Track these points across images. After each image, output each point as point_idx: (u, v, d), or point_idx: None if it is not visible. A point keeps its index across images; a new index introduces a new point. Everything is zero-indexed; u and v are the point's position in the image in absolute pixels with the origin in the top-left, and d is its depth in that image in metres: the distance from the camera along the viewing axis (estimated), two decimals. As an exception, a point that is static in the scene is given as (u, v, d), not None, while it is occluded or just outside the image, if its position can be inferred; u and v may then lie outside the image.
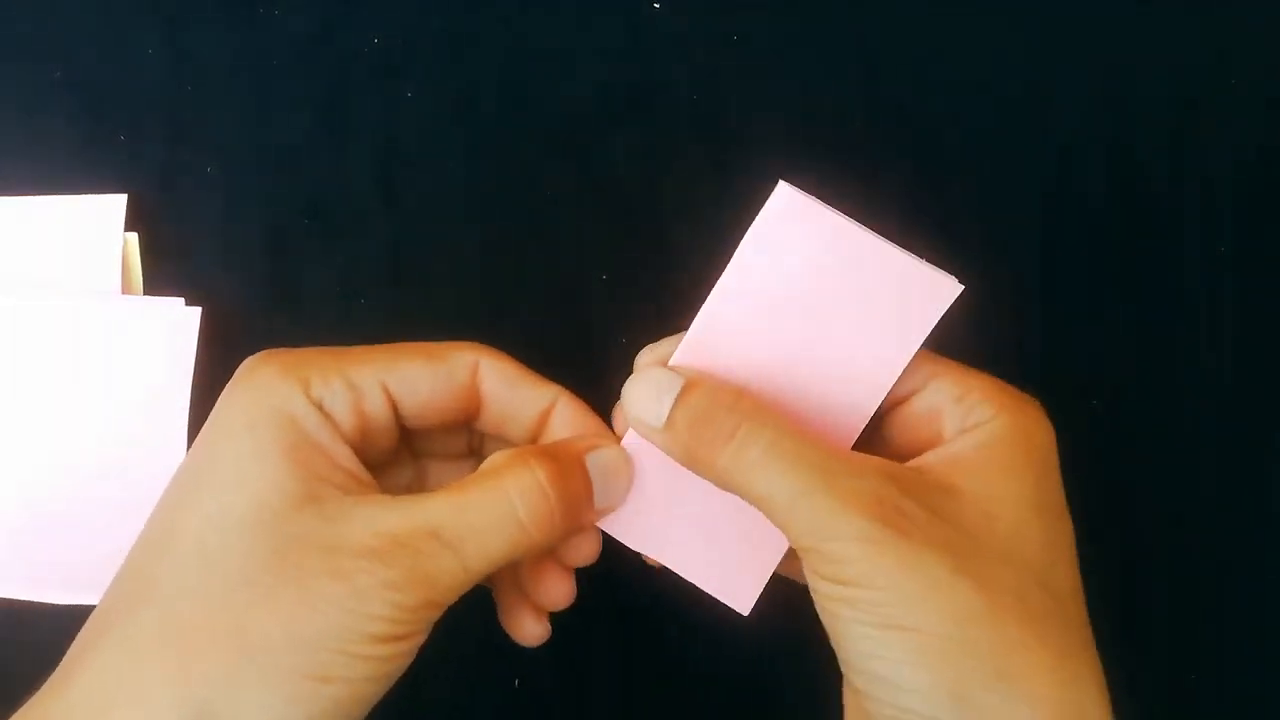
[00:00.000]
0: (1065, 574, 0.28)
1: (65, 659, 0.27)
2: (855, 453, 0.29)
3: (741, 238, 0.30)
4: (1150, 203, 0.39)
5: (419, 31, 0.39)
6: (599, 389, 0.33)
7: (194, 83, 0.39)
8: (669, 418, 0.28)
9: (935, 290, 0.30)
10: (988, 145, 0.39)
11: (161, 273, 0.38)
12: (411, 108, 0.39)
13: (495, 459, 0.29)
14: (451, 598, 0.27)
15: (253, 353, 0.39)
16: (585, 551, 0.31)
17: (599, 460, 0.30)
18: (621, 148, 0.39)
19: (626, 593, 0.37)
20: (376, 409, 0.29)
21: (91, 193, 0.38)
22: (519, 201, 0.38)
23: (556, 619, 0.38)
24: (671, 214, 0.38)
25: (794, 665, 0.38)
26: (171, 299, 0.37)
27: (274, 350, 0.29)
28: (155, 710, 0.25)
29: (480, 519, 0.27)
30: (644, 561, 0.32)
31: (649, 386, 0.29)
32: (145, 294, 0.38)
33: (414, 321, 0.38)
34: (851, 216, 0.33)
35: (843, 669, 0.27)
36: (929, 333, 0.29)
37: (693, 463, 0.28)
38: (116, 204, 0.37)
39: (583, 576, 0.38)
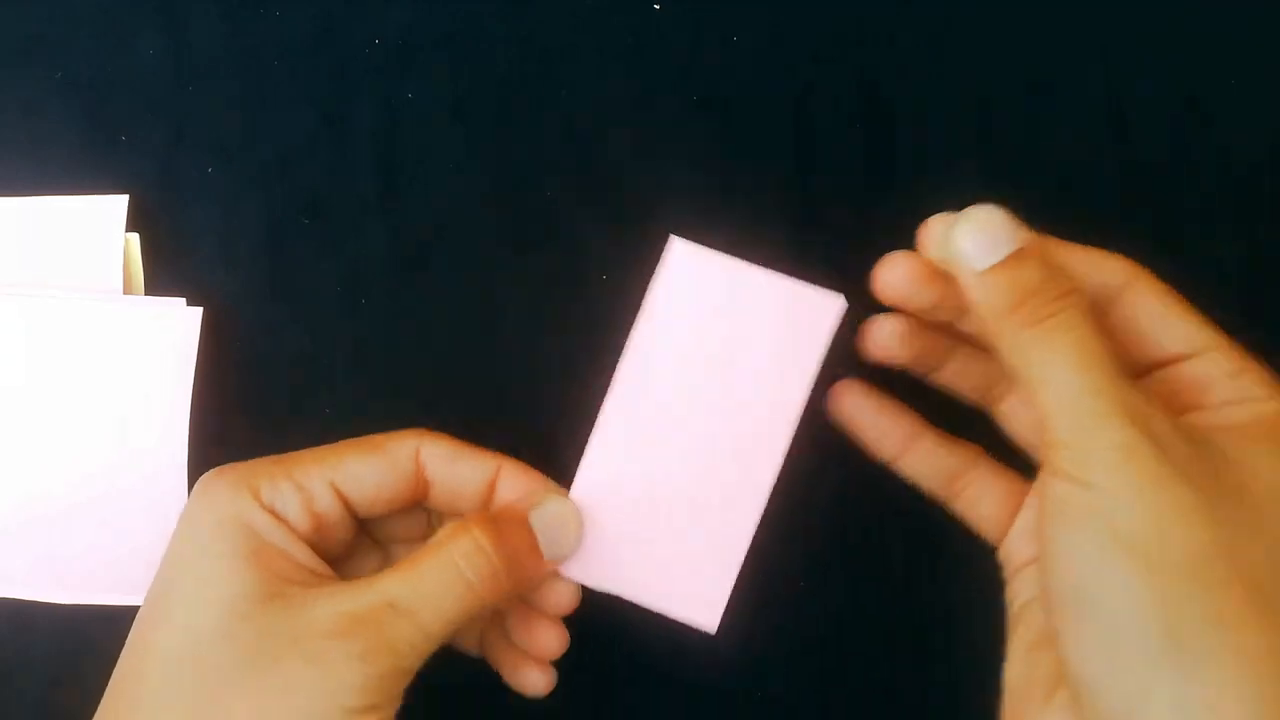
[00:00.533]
0: None
1: None
2: (1141, 384, 0.29)
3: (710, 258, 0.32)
4: (1150, 202, 0.39)
5: (419, 31, 0.39)
6: (599, 388, 0.33)
7: (194, 83, 0.39)
8: (997, 268, 0.28)
9: (822, 309, 0.32)
10: (987, 145, 0.39)
11: (162, 273, 0.38)
12: (411, 108, 0.39)
13: (442, 531, 0.31)
14: (417, 662, 0.29)
15: (253, 350, 0.39)
16: (563, 601, 0.33)
17: (544, 514, 0.32)
18: (622, 148, 0.39)
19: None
20: (327, 506, 0.31)
21: (92, 193, 0.38)
22: (519, 201, 0.39)
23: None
24: (672, 214, 0.38)
25: (795, 666, 0.38)
26: (173, 299, 0.37)
27: (223, 467, 0.31)
28: None
29: (430, 586, 0.29)
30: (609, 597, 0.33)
31: (988, 228, 0.28)
32: (146, 294, 0.38)
33: (414, 321, 0.39)
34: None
35: (1046, 589, 0.27)
36: (823, 351, 0.32)
37: (995, 318, 0.28)
38: (118, 204, 0.37)
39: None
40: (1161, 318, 0.30)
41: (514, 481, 0.33)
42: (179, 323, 0.37)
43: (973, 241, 0.28)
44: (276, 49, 0.39)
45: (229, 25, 0.39)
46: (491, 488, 0.33)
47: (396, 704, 0.29)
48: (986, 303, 0.28)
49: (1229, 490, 0.26)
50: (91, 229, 0.37)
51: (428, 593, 0.29)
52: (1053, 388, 0.27)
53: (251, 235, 0.39)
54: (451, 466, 0.32)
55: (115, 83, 0.39)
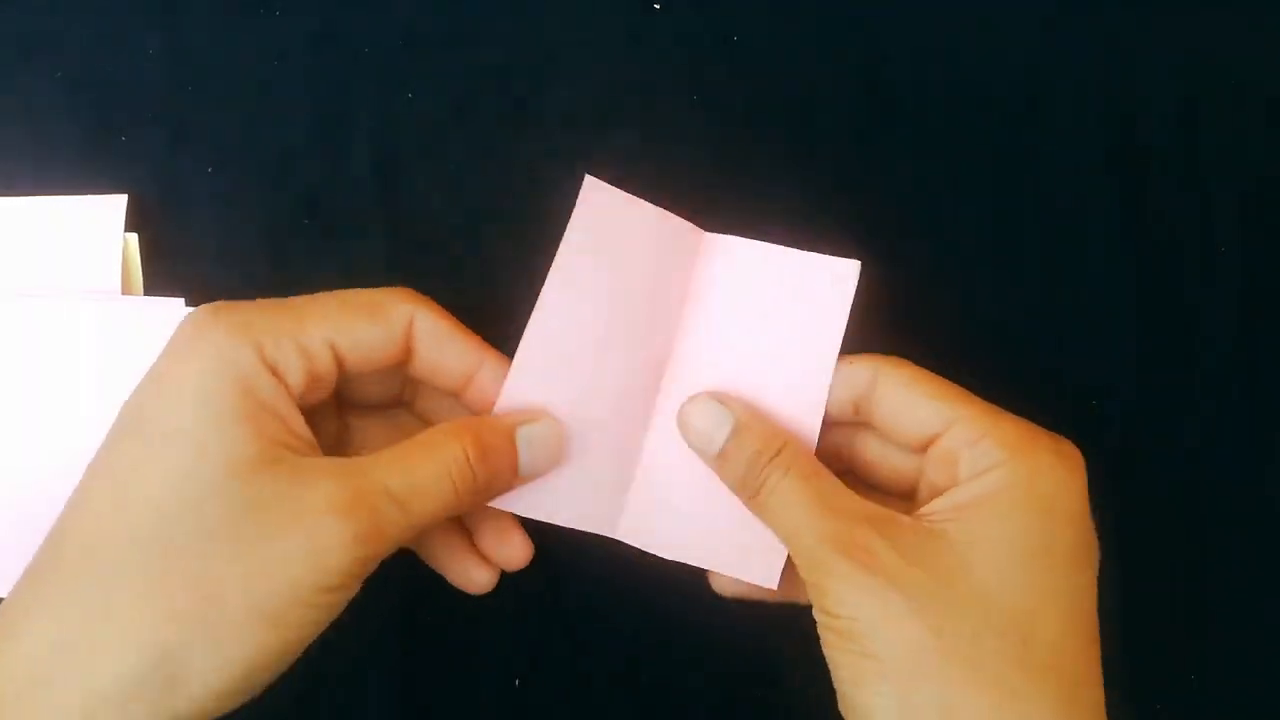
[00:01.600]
0: (1053, 620, 0.29)
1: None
2: (854, 499, 0.31)
3: (734, 244, 0.33)
4: (1150, 202, 0.39)
5: (419, 32, 0.39)
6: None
7: (194, 83, 0.39)
8: (723, 451, 0.33)
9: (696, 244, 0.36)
10: (987, 145, 0.39)
11: (162, 273, 0.38)
12: (411, 108, 0.39)
13: (435, 431, 0.31)
14: (391, 549, 0.29)
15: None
16: (515, 555, 0.35)
17: (529, 434, 0.32)
18: (622, 148, 0.39)
19: (627, 593, 0.38)
20: (324, 369, 0.31)
21: (92, 193, 0.38)
22: (518, 202, 0.38)
23: (558, 620, 0.38)
24: (672, 213, 0.38)
25: (797, 666, 0.38)
26: (171, 299, 0.37)
27: (220, 305, 0.30)
28: (118, 655, 0.26)
29: (422, 481, 0.30)
30: (647, 563, 0.33)
31: (705, 418, 0.33)
32: (145, 294, 0.38)
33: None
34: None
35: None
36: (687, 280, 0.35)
37: (739, 491, 0.32)
38: (117, 204, 0.37)
39: (584, 577, 0.38)
40: (910, 403, 0.32)
41: (495, 375, 0.33)
42: (178, 323, 0.37)
43: (695, 435, 0.33)
44: (276, 49, 0.39)
45: (229, 26, 0.39)
46: (469, 378, 0.33)
47: (355, 591, 0.29)
48: (730, 478, 0.33)
49: (946, 576, 0.29)
50: (90, 229, 0.37)
51: (418, 488, 0.29)
52: (789, 544, 0.31)
53: (251, 235, 0.39)
54: (440, 346, 0.32)
55: (115, 83, 0.39)
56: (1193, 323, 0.39)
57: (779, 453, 0.32)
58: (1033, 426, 0.31)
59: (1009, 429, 0.31)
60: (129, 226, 0.38)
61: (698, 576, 0.34)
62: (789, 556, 0.32)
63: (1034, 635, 0.28)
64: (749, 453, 0.32)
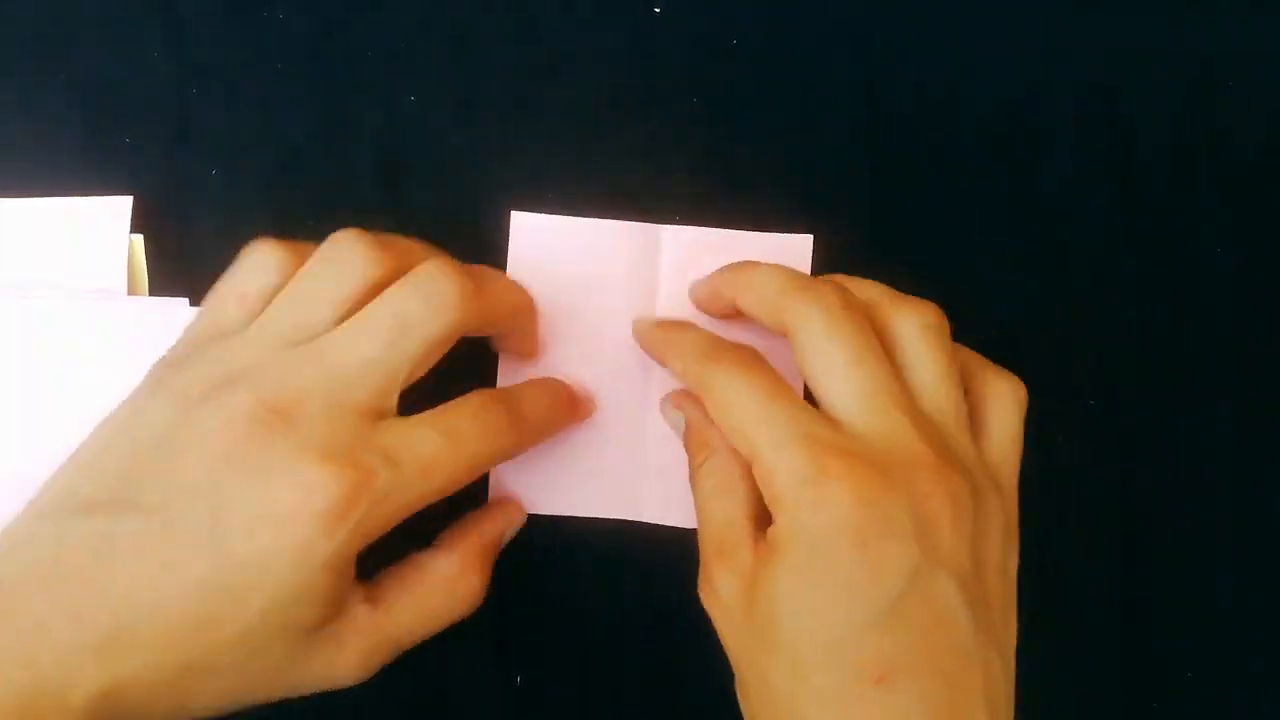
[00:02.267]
0: (834, 670, 0.28)
1: None
2: (737, 520, 0.31)
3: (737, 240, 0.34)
4: (1149, 202, 0.39)
5: (421, 35, 0.39)
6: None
7: (198, 85, 0.39)
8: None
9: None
10: (987, 145, 0.39)
11: (166, 274, 0.38)
12: (414, 110, 0.39)
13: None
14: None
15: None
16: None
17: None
18: (623, 151, 0.39)
19: (629, 593, 0.38)
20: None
21: (96, 195, 0.38)
22: (520, 203, 0.39)
23: (557, 619, 0.38)
24: (672, 216, 0.38)
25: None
26: (176, 299, 0.37)
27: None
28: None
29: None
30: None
31: (669, 418, 0.36)
32: (150, 295, 0.38)
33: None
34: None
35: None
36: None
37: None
38: (122, 205, 0.38)
39: (584, 576, 0.38)
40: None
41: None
42: (182, 323, 0.37)
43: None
44: (280, 51, 0.39)
45: (232, 27, 0.39)
46: None
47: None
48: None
49: (761, 629, 0.29)
50: (95, 230, 0.37)
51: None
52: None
53: (255, 237, 0.38)
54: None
55: (119, 85, 0.39)
56: (1192, 323, 0.39)
57: (703, 463, 0.32)
58: (816, 455, 0.29)
59: (782, 474, 0.29)
60: (133, 228, 0.38)
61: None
62: None
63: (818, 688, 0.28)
64: (689, 457, 0.34)
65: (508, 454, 0.32)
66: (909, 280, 0.38)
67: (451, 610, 0.33)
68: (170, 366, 0.31)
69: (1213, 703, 0.38)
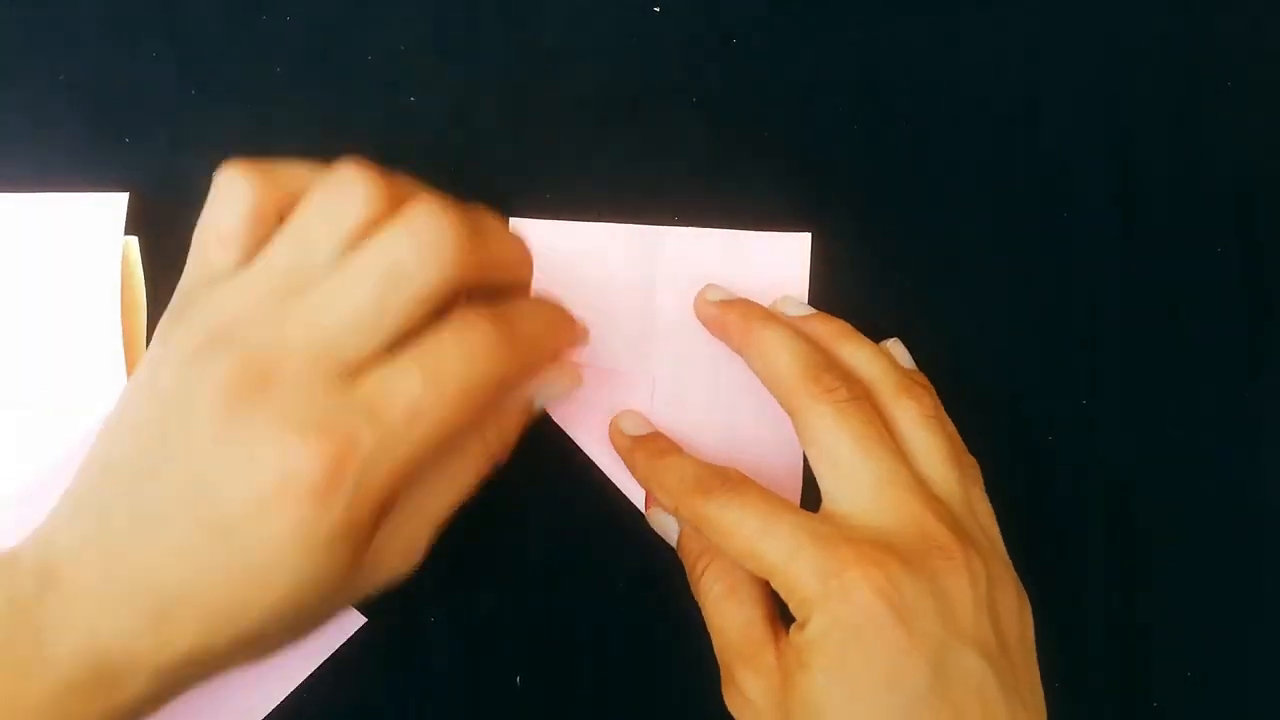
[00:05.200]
0: None
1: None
2: (754, 619, 0.32)
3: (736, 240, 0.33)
4: (1148, 203, 0.39)
5: (421, 36, 0.39)
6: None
7: (197, 87, 0.39)
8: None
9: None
10: (986, 145, 0.39)
11: (163, 277, 0.38)
12: (413, 111, 0.39)
13: None
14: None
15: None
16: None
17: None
18: (622, 150, 0.39)
19: (631, 592, 0.38)
20: None
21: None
22: (520, 205, 0.39)
23: (558, 619, 0.38)
24: (671, 217, 0.38)
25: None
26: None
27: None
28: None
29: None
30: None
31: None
32: (147, 299, 0.38)
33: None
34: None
35: None
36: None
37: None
38: (117, 202, 0.38)
39: (585, 575, 0.38)
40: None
41: None
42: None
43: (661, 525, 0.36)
44: (279, 53, 0.39)
45: (231, 29, 0.39)
46: None
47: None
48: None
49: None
50: (90, 226, 0.37)
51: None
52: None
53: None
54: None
55: (118, 86, 0.39)
56: (1191, 323, 0.39)
57: (706, 569, 0.33)
58: (831, 550, 0.29)
59: (803, 576, 0.29)
60: (131, 230, 0.38)
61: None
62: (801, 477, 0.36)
63: None
64: (688, 567, 0.35)
65: (505, 378, 0.29)
66: (908, 280, 0.38)
67: (480, 468, 0.31)
68: (170, 319, 0.30)
69: (1213, 703, 0.38)
